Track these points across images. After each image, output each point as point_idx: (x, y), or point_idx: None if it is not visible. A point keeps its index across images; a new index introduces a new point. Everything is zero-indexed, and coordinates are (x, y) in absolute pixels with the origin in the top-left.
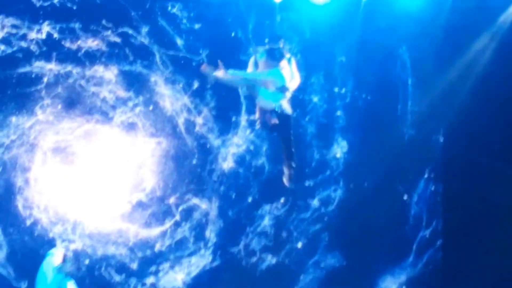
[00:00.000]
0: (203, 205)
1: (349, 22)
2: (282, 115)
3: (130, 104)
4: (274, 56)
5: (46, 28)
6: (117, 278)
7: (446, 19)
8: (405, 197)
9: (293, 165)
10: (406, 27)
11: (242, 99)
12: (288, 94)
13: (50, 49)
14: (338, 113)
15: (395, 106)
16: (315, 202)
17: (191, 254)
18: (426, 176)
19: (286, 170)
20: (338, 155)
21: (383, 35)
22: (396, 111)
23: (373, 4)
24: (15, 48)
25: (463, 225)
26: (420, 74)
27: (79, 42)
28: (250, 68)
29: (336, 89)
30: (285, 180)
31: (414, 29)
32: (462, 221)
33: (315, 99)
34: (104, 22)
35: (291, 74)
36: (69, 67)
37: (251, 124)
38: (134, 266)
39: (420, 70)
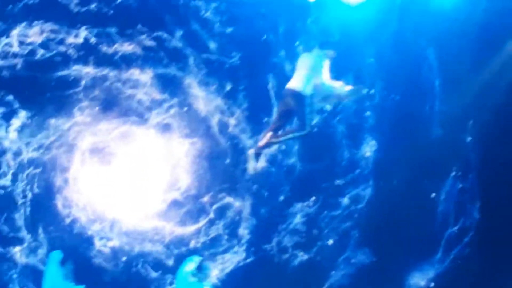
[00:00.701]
0: (237, 203)
1: (382, 22)
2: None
3: (165, 105)
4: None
5: (83, 32)
6: (154, 274)
7: (480, 18)
8: (433, 195)
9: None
10: (440, 26)
11: (273, 100)
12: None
13: (88, 53)
14: (368, 113)
15: (423, 106)
16: (345, 200)
17: (225, 251)
18: (453, 174)
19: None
20: (367, 154)
21: (414, 35)
22: (424, 111)
23: (408, 3)
24: (54, 52)
25: (490, 222)
26: (449, 74)
27: (115, 46)
28: (300, 69)
29: (365, 90)
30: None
31: (448, 28)
32: (489, 218)
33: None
34: (139, 26)
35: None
36: (106, 70)
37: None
38: (170, 262)
39: (450, 70)
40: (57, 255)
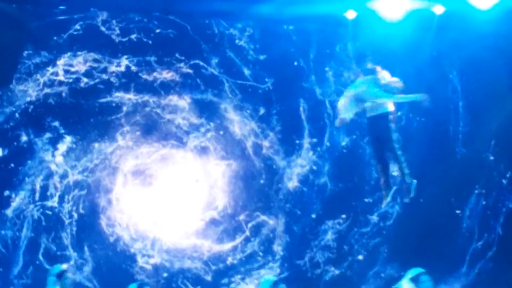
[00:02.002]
0: (271, 221)
1: (419, 39)
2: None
3: (202, 129)
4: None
5: (124, 61)
6: None
7: None
8: (458, 212)
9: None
10: (474, 46)
11: (304, 123)
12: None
13: (129, 80)
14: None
15: (447, 127)
16: (374, 217)
17: (260, 267)
18: (477, 191)
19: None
20: (395, 174)
21: (446, 56)
22: (448, 131)
23: (447, 19)
24: (97, 80)
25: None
26: (473, 95)
27: (154, 73)
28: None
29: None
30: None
31: (483, 50)
32: (510, 234)
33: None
34: (177, 55)
35: None
36: (146, 97)
37: (313, 146)
38: (208, 278)
39: (475, 91)
40: (56, 269)
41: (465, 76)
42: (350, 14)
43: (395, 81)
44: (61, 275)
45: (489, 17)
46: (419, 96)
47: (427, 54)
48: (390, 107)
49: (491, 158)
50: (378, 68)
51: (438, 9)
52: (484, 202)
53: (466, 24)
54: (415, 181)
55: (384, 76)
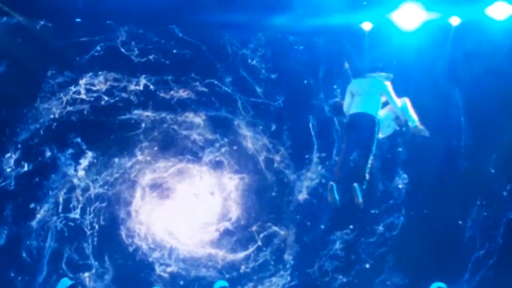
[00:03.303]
0: (282, 232)
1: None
2: None
3: (217, 145)
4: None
5: (143, 80)
6: None
7: None
8: (460, 222)
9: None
10: (491, 56)
11: (314, 139)
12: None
13: (147, 98)
14: (400, 149)
15: (450, 141)
16: (380, 228)
17: (272, 275)
18: (478, 203)
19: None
20: (400, 186)
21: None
22: (451, 145)
23: (463, 30)
24: (117, 99)
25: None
26: (476, 111)
27: (171, 92)
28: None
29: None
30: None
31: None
32: (510, 243)
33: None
34: (193, 74)
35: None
36: (163, 114)
37: (322, 160)
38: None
39: (480, 106)
40: (66, 282)
41: (477, 88)
42: (366, 26)
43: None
44: None
45: (505, 28)
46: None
47: (443, 65)
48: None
49: (492, 171)
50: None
51: (455, 20)
52: (485, 213)
53: (482, 34)
54: (364, 186)
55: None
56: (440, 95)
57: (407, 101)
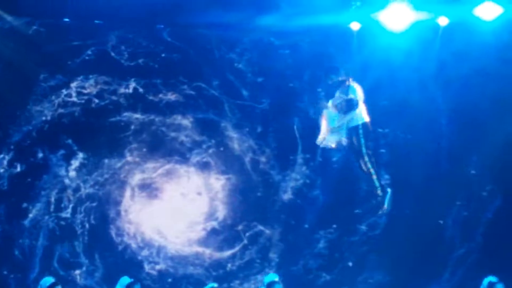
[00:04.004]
0: (267, 231)
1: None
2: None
3: (204, 146)
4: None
5: (132, 84)
6: None
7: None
8: (441, 222)
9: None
10: (479, 56)
11: (298, 140)
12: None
13: (136, 101)
14: (382, 150)
15: (431, 144)
16: (363, 227)
17: (257, 273)
18: (459, 203)
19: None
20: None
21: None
22: (432, 148)
23: (451, 31)
24: (107, 101)
25: (491, 246)
26: (460, 112)
27: (160, 95)
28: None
29: (380, 130)
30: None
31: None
32: (490, 242)
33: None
34: (181, 77)
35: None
36: (152, 116)
37: (306, 161)
38: (209, 283)
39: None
40: (125, 280)
41: (464, 89)
42: (355, 26)
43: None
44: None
45: (493, 28)
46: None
47: (431, 65)
48: (363, 119)
49: (473, 172)
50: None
51: (443, 21)
52: (465, 213)
53: (470, 35)
54: (389, 191)
55: (356, 88)
56: (427, 95)
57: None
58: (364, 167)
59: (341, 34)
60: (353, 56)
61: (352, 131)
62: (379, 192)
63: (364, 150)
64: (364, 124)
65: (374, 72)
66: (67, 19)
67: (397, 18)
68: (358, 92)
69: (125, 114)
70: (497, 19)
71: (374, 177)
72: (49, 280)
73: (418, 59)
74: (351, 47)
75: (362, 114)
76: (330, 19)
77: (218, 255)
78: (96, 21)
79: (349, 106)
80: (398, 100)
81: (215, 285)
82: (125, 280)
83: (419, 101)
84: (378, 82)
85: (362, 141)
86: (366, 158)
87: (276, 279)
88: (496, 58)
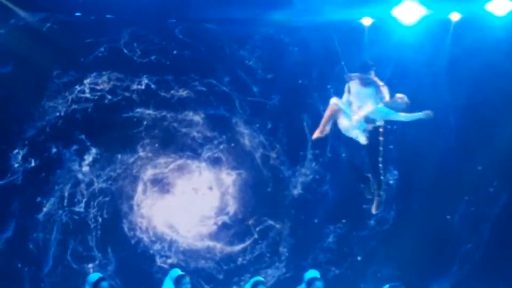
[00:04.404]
0: (277, 225)
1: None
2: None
3: (215, 142)
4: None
5: (145, 80)
6: (206, 287)
7: None
8: (449, 217)
9: (382, 193)
10: (491, 51)
11: (308, 136)
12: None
13: (148, 97)
14: (391, 146)
15: (439, 140)
16: (372, 222)
17: (267, 267)
18: (466, 198)
19: (375, 198)
20: (391, 182)
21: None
22: (440, 144)
23: (463, 26)
24: (120, 97)
25: (498, 240)
26: (469, 108)
27: (172, 91)
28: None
29: (388, 126)
30: (373, 207)
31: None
32: (497, 237)
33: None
34: (192, 74)
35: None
36: (164, 112)
37: (316, 157)
38: (220, 277)
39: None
40: (175, 272)
41: (476, 85)
42: (366, 21)
43: (400, 98)
44: (97, 284)
45: (505, 23)
46: (424, 114)
47: (442, 61)
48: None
49: (479, 168)
50: (381, 83)
51: (455, 16)
52: (472, 208)
53: (482, 30)
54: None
55: (384, 91)
56: (438, 91)
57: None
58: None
59: (352, 30)
60: (364, 52)
61: (373, 132)
62: (380, 193)
63: (380, 149)
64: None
65: (385, 67)
66: (78, 13)
67: (409, 14)
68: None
69: (138, 110)
70: (509, 15)
71: (382, 177)
72: (95, 276)
73: (429, 54)
74: (362, 43)
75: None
76: (341, 14)
77: (229, 249)
78: (108, 16)
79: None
80: (408, 95)
81: (260, 278)
82: (175, 272)
83: (429, 97)
84: (389, 77)
85: (381, 140)
86: (380, 158)
87: (261, 278)
88: (508, 54)
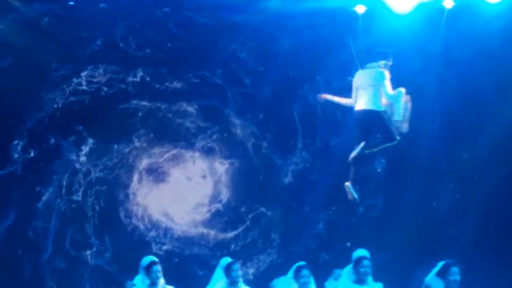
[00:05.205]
0: (269, 212)
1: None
2: None
3: (209, 132)
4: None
5: (140, 73)
6: (201, 272)
7: None
8: (434, 204)
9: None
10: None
11: (298, 126)
12: None
13: (144, 89)
14: (378, 136)
15: (427, 127)
16: (361, 209)
17: (259, 253)
18: (452, 185)
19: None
20: (379, 170)
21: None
22: (428, 131)
23: (456, 13)
24: (115, 89)
25: (482, 226)
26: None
27: (166, 83)
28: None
29: None
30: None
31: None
32: (482, 223)
33: None
34: (186, 67)
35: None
36: (159, 104)
37: (306, 146)
38: (214, 263)
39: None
40: (225, 260)
41: (468, 71)
42: (360, 8)
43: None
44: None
45: (498, 10)
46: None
47: (436, 47)
48: (384, 105)
49: (465, 156)
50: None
51: (448, 3)
52: (458, 195)
53: (475, 17)
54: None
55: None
56: (432, 78)
57: (403, 91)
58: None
59: (346, 17)
60: (358, 39)
61: (373, 114)
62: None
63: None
64: (385, 111)
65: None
66: (72, 3)
67: (403, 1)
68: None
69: (133, 101)
70: (502, 2)
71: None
72: (148, 259)
73: (423, 41)
74: (356, 30)
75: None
76: (334, 2)
77: (222, 236)
78: (101, 5)
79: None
80: (402, 83)
81: (303, 263)
82: (225, 260)
83: (422, 84)
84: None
85: (388, 124)
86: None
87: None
88: (501, 41)
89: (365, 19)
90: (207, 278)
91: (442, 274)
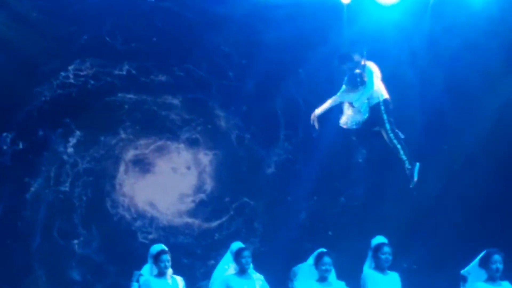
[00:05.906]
0: (252, 202)
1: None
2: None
3: (193, 124)
4: (355, 81)
5: (126, 66)
6: (185, 261)
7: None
8: (415, 193)
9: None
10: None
11: (280, 118)
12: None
13: (129, 82)
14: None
15: (420, 117)
16: (342, 199)
17: (243, 242)
18: (434, 176)
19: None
20: (360, 161)
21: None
22: (420, 121)
23: (441, 4)
24: (102, 82)
25: (460, 214)
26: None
27: (152, 76)
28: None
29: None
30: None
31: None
32: (462, 214)
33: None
34: (171, 60)
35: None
36: (144, 96)
37: (288, 137)
38: (199, 251)
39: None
40: (235, 245)
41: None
42: (345, 0)
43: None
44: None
45: (483, 2)
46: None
47: (421, 39)
48: (383, 96)
49: (445, 147)
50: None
51: None
52: (440, 185)
53: (460, 9)
54: (417, 164)
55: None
56: (417, 70)
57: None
58: (389, 143)
59: (330, 8)
60: (343, 31)
61: (374, 108)
62: (407, 165)
63: (388, 126)
64: (385, 101)
65: (365, 46)
66: None
67: None
68: (374, 70)
69: (119, 94)
70: None
71: (401, 151)
72: (157, 247)
73: (408, 32)
74: (341, 22)
75: (381, 91)
76: None
77: (206, 225)
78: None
79: (352, 80)
80: (387, 74)
81: (324, 250)
82: (236, 245)
83: (408, 76)
84: (368, 56)
85: (385, 117)
86: (391, 134)
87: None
88: (486, 32)
89: (350, 10)
90: (191, 267)
91: (483, 262)
